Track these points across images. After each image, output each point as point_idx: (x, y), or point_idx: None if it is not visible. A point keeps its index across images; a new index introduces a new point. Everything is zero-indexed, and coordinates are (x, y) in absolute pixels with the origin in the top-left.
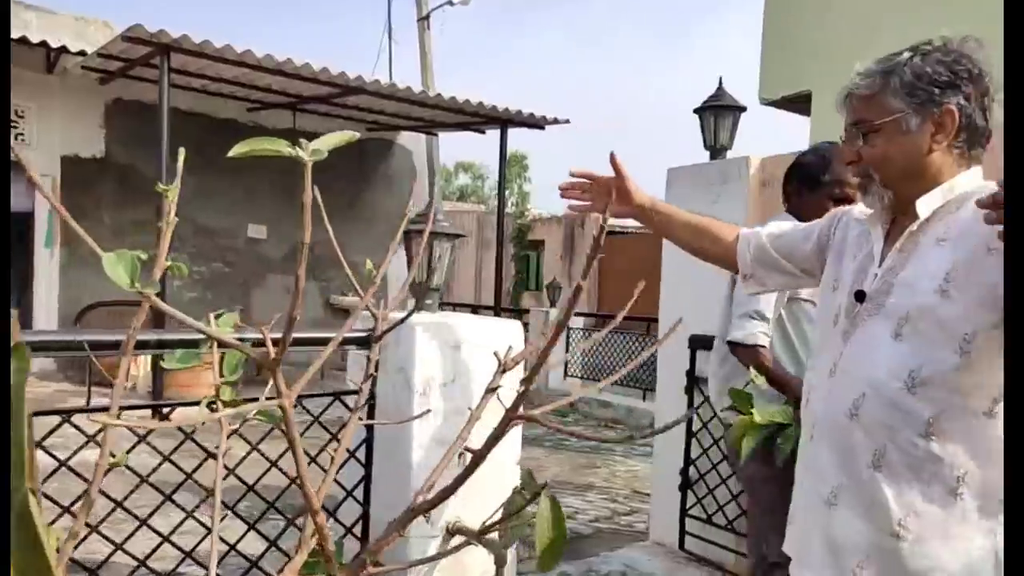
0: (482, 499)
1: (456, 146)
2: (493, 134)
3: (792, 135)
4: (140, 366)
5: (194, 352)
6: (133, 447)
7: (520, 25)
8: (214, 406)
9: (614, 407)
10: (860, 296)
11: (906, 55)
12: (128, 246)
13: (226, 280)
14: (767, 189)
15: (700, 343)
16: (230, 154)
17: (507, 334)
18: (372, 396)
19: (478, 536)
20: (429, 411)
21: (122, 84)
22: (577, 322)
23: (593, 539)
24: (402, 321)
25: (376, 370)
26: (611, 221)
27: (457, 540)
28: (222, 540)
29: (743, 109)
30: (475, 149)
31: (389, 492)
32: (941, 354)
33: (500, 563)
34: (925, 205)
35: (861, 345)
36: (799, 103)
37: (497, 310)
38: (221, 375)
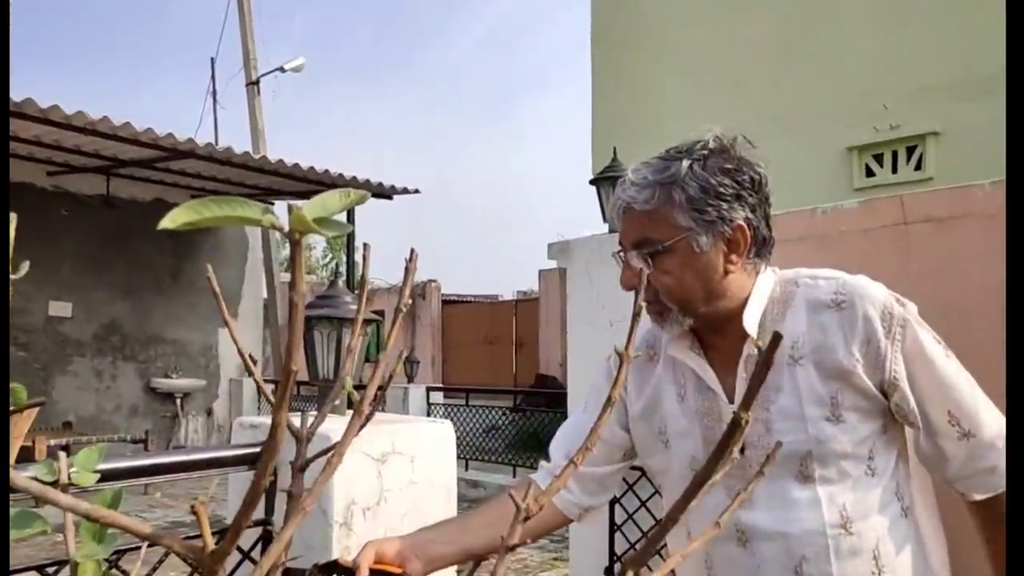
0: None
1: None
2: None
3: None
4: None
5: (32, 514)
6: None
7: (350, 96)
8: None
9: (484, 486)
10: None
11: (685, 164)
12: None
13: (21, 367)
14: None
15: None
16: (162, 225)
17: (439, 439)
18: (267, 529)
19: None
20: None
21: None
22: (436, 397)
23: None
24: (336, 448)
25: (271, 493)
26: (448, 290)
27: None
28: None
29: None
30: None
31: None
32: (859, 482)
33: None
34: (752, 320)
35: (770, 503)
36: None
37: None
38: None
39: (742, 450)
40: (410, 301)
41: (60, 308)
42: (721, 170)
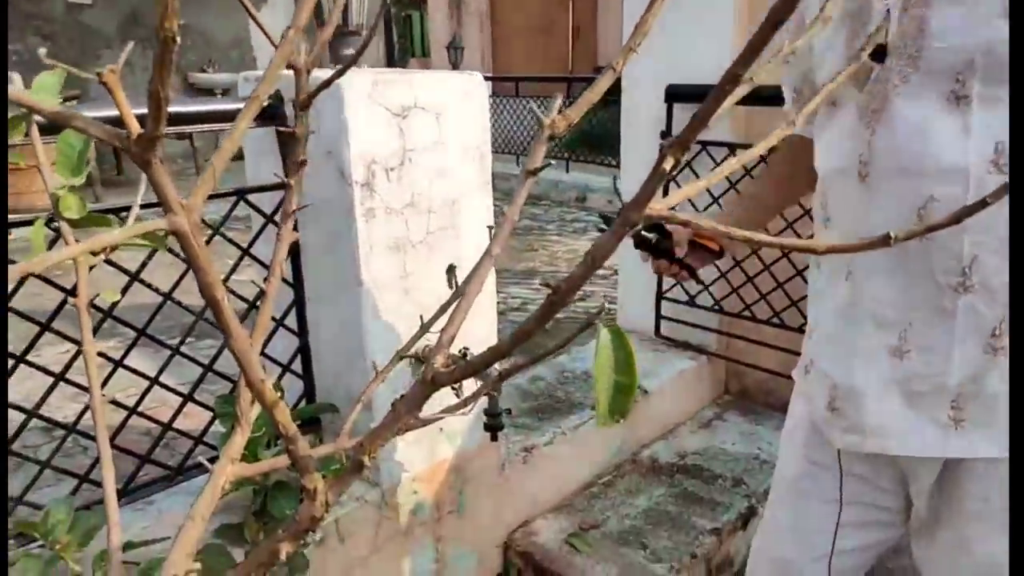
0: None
1: None
2: None
3: None
4: None
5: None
6: None
7: None
8: (54, 223)
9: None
10: (879, 54)
11: None
12: None
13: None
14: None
15: (679, 95)
16: None
17: (468, 93)
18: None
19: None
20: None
21: None
22: None
23: (554, 333)
24: (337, 76)
25: (288, 156)
26: None
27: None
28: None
29: None
30: None
31: (331, 321)
32: None
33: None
34: None
35: (905, 127)
36: None
37: None
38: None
39: (883, 57)
40: None
41: None
42: None
